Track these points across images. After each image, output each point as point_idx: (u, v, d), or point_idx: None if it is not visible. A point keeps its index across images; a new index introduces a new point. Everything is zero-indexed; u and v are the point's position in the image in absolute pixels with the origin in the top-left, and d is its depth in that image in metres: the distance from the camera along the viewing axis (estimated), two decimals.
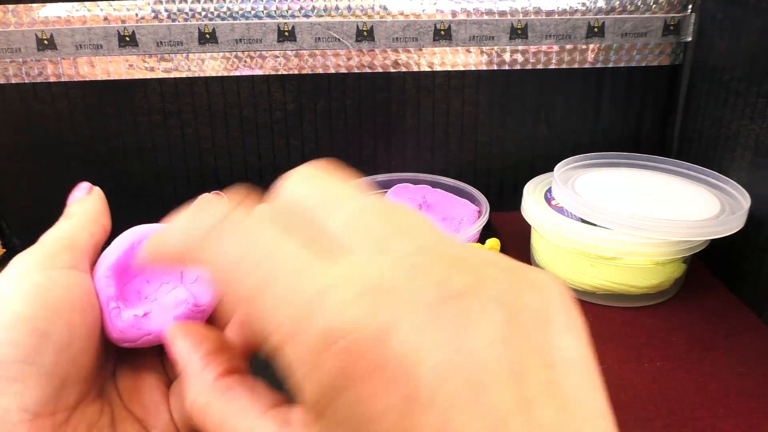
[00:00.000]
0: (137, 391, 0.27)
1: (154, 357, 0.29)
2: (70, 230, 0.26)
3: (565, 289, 0.18)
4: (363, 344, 0.15)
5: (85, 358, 0.23)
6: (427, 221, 0.19)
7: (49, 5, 0.50)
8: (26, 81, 0.52)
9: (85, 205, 0.28)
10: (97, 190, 0.29)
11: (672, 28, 0.55)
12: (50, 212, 0.62)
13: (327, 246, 0.17)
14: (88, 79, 0.52)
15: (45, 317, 0.22)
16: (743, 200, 0.43)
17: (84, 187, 0.29)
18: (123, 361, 0.28)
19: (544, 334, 0.17)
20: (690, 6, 0.54)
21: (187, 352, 0.22)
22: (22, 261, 0.24)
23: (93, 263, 0.27)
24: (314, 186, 0.20)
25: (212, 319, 0.29)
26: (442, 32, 0.53)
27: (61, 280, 0.24)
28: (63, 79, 0.52)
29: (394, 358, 0.15)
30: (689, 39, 0.54)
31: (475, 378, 0.15)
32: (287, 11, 0.52)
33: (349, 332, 0.16)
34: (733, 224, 0.42)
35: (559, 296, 0.17)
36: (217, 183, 0.57)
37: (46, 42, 0.51)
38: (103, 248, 0.28)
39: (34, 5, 0.50)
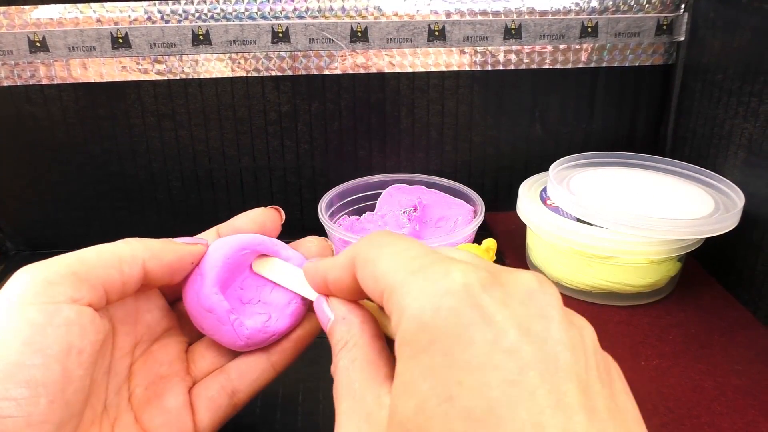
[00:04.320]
0: (158, 398, 0.27)
1: (177, 362, 0.29)
2: (97, 259, 0.25)
3: None
4: (468, 290, 0.19)
5: (78, 398, 0.23)
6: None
7: (41, 7, 0.50)
8: (18, 83, 0.52)
9: (152, 247, 0.27)
10: (197, 249, 0.28)
11: (665, 27, 0.55)
12: (43, 215, 0.62)
13: (437, 251, 0.22)
14: (81, 81, 0.52)
15: (40, 365, 0.21)
16: (737, 199, 0.44)
17: (197, 238, 0.29)
18: (140, 371, 0.28)
19: (605, 361, 0.21)
20: (683, 6, 0.54)
21: (348, 311, 0.25)
22: (22, 286, 0.23)
23: (114, 298, 0.25)
24: None
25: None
26: (437, 33, 0.53)
27: (58, 318, 0.22)
28: (56, 82, 0.52)
29: (486, 305, 0.19)
30: (682, 38, 0.55)
31: (551, 357, 0.18)
32: (281, 12, 0.52)
33: (455, 280, 0.19)
34: (728, 223, 0.42)
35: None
36: (212, 185, 0.56)
37: (38, 44, 0.51)
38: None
39: (26, 7, 0.50)
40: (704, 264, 0.50)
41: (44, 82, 0.52)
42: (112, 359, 0.26)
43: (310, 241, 0.33)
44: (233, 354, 0.30)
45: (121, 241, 0.26)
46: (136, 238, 0.27)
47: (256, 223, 0.31)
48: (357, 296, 0.25)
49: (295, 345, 0.30)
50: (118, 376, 0.26)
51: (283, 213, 0.32)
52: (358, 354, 0.23)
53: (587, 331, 0.21)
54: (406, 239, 0.23)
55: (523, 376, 0.17)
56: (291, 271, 0.29)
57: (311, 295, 0.27)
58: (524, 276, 0.21)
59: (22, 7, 0.50)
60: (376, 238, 0.23)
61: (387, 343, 0.24)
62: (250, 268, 0.31)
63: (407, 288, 0.20)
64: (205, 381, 0.29)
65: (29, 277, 0.23)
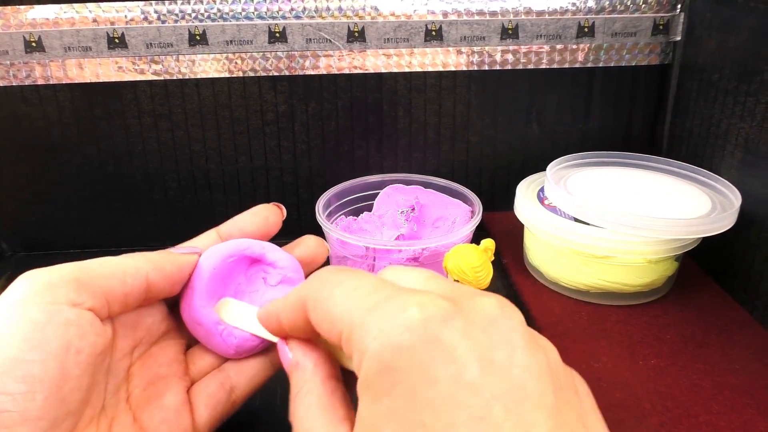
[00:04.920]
0: (156, 397, 0.27)
1: (175, 363, 0.29)
2: (100, 268, 0.25)
3: None
4: (426, 325, 0.18)
5: (75, 397, 0.23)
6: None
7: (37, 7, 0.50)
8: (14, 84, 0.51)
9: (153, 259, 0.27)
10: (193, 258, 0.28)
11: (661, 27, 0.55)
12: (40, 216, 0.61)
13: (390, 282, 0.21)
14: (77, 82, 0.52)
15: (38, 361, 0.22)
16: (734, 198, 0.44)
17: (190, 248, 0.29)
18: (139, 372, 0.28)
19: (572, 380, 0.20)
20: (679, 6, 0.54)
21: (302, 354, 0.24)
22: (24, 287, 0.23)
23: (117, 309, 0.26)
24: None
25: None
26: (433, 33, 0.53)
27: (59, 317, 0.23)
28: (51, 82, 0.52)
29: (446, 339, 0.18)
30: (678, 38, 0.55)
31: (517, 386, 0.18)
32: (278, 12, 0.52)
33: (413, 316, 0.19)
34: (725, 222, 0.42)
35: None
36: (208, 185, 0.56)
37: (34, 44, 0.51)
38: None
39: (22, 7, 0.50)
40: (701, 264, 0.50)
41: (40, 82, 0.52)
42: (111, 361, 0.26)
43: (307, 240, 0.33)
44: None
45: (124, 255, 0.27)
46: (138, 253, 0.27)
47: (258, 217, 0.32)
48: (313, 335, 0.24)
49: None
50: (117, 377, 0.27)
51: (284, 210, 0.32)
52: (313, 400, 0.22)
53: (552, 353, 0.20)
54: (356, 274, 0.22)
55: (488, 410, 0.17)
56: (251, 314, 0.29)
57: (272, 337, 0.27)
58: (485, 302, 0.20)
59: (17, 7, 0.49)
60: (325, 276, 0.22)
61: (345, 378, 0.24)
62: (245, 273, 0.31)
63: (365, 328, 0.19)
64: (203, 379, 0.29)
65: (32, 280, 0.23)
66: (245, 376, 0.29)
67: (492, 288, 0.37)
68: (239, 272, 0.31)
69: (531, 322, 0.43)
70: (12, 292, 0.23)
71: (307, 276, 0.32)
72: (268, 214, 0.32)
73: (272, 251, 0.31)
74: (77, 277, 0.24)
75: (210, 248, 0.30)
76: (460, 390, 0.17)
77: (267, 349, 0.30)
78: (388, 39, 0.53)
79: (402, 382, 0.18)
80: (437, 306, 0.19)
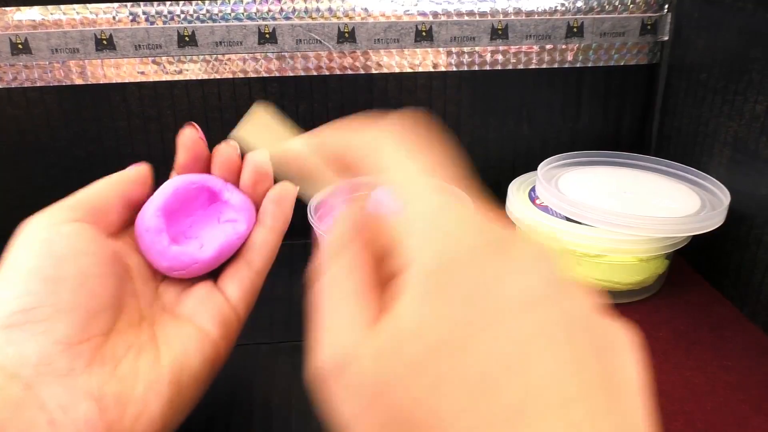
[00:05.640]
0: (187, 293, 0.31)
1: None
2: (88, 190, 0.29)
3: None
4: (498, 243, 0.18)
5: (105, 291, 0.26)
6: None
7: (23, 9, 0.49)
8: (0, 87, 0.51)
9: (123, 173, 0.31)
10: (144, 166, 0.32)
11: (649, 27, 0.55)
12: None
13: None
14: (64, 84, 0.51)
15: (52, 265, 0.25)
16: (723, 196, 0.44)
17: (135, 165, 0.32)
18: (167, 290, 0.31)
19: (612, 358, 0.17)
20: (666, 6, 0.55)
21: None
22: (30, 224, 0.27)
23: (119, 217, 0.30)
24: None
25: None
26: (424, 33, 0.53)
27: (64, 231, 0.26)
28: (38, 84, 0.51)
29: (514, 255, 0.18)
30: (666, 38, 0.55)
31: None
32: (268, 13, 0.51)
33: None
34: (714, 220, 0.42)
35: (629, 335, 0.19)
36: None
37: (20, 46, 0.50)
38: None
39: (8, 9, 0.49)
40: (691, 262, 0.50)
41: (26, 84, 0.51)
42: (134, 285, 0.29)
43: (280, 186, 0.33)
44: None
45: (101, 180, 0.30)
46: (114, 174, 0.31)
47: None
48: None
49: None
50: (146, 296, 0.30)
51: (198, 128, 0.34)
52: (356, 263, 0.21)
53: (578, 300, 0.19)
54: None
55: (555, 329, 0.16)
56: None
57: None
58: (529, 244, 0.19)
59: (3, 8, 0.49)
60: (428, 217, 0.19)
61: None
62: (205, 207, 0.33)
63: (431, 236, 0.18)
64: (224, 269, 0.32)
65: (33, 218, 0.27)
66: (256, 248, 0.32)
67: None
68: (200, 205, 0.33)
69: None
70: (20, 232, 0.27)
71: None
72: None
73: (229, 190, 0.33)
74: (68, 203, 0.28)
75: (178, 176, 0.33)
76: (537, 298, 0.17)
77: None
78: (378, 40, 0.53)
79: (465, 283, 0.17)
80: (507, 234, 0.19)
